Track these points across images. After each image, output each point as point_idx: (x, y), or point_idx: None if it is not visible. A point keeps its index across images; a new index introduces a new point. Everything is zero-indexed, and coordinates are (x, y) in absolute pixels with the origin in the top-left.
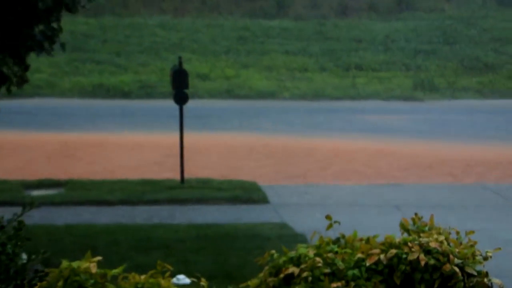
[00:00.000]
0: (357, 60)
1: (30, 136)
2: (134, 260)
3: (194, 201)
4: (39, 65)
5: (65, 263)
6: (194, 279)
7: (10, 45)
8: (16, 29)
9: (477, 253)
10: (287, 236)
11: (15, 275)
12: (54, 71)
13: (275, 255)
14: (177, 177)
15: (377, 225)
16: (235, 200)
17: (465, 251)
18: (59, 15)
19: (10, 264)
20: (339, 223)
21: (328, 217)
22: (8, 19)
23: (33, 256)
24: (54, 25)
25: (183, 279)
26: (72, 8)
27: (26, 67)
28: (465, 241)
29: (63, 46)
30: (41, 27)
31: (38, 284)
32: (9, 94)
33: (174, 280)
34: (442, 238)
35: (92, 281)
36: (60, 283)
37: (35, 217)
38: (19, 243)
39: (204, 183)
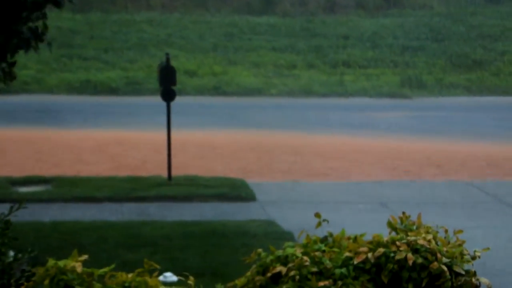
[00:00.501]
0: (344, 57)
1: (16, 133)
2: (121, 257)
3: (181, 198)
4: (26, 61)
5: (51, 262)
6: (182, 278)
7: None
8: (3, 25)
9: (465, 252)
10: (275, 234)
11: (2, 274)
12: (41, 67)
13: (263, 254)
14: (165, 174)
15: (365, 222)
16: (222, 197)
17: (453, 250)
18: (45, 12)
19: None
20: (328, 221)
21: (317, 215)
22: None
23: (20, 255)
24: (41, 22)
25: (170, 276)
26: (59, 3)
27: (12, 63)
28: (453, 240)
29: (50, 45)
30: (28, 24)
31: (25, 283)
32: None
33: (161, 278)
34: (430, 236)
35: (78, 280)
36: (47, 282)
37: (21, 214)
38: (6, 241)
39: (192, 180)
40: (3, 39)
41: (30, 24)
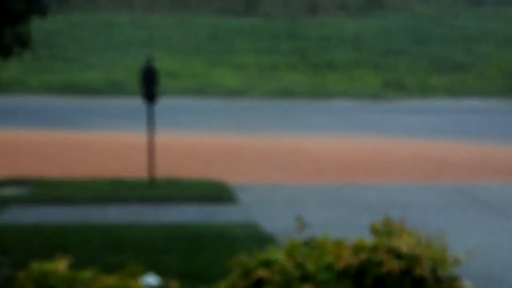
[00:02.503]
0: (327, 59)
1: None
2: (104, 260)
3: (163, 201)
4: (7, 62)
5: (34, 265)
6: (164, 279)
7: None
8: None
9: (449, 256)
10: (257, 236)
11: None
12: (23, 69)
13: (245, 258)
14: (147, 176)
15: (347, 225)
16: (204, 199)
17: (437, 254)
18: (29, 19)
19: None
20: (310, 225)
21: (299, 220)
22: None
23: (4, 259)
24: (24, 28)
25: (152, 279)
26: (43, 11)
27: None
28: (436, 244)
29: (33, 51)
30: (10, 30)
31: (10, 285)
32: None
33: (144, 280)
34: (413, 241)
35: (62, 283)
36: (30, 285)
37: (3, 216)
38: None
39: (174, 183)
40: None
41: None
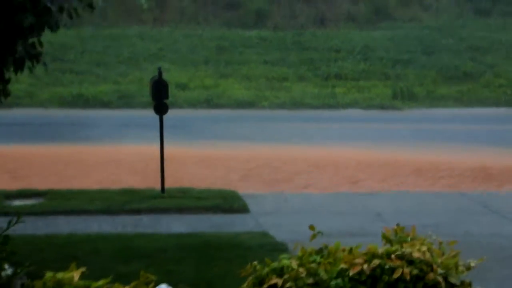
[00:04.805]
0: (336, 70)
1: (8, 147)
2: (116, 270)
3: (174, 211)
4: (18, 75)
5: (49, 275)
6: None
7: None
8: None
9: (460, 263)
10: (268, 245)
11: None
12: (33, 82)
13: (258, 266)
14: (158, 186)
15: (359, 233)
16: (215, 209)
17: (448, 261)
18: (40, 33)
19: None
20: (322, 233)
21: (311, 227)
22: None
23: (19, 269)
24: (36, 42)
25: None
26: (54, 27)
27: (7, 81)
28: (447, 251)
29: (45, 65)
30: (22, 44)
31: None
32: None
33: None
34: (424, 248)
35: None
36: None
37: (15, 227)
38: (4, 255)
39: (185, 193)
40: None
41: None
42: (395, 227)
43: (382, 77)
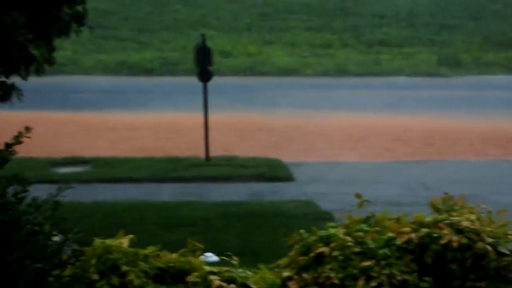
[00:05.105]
0: (380, 36)
1: (53, 114)
2: (161, 237)
3: (219, 179)
4: (62, 43)
5: (97, 242)
6: (223, 257)
7: (38, 27)
8: (44, 10)
9: (510, 232)
10: (313, 214)
11: (53, 254)
12: (77, 49)
13: (305, 235)
14: (202, 154)
15: (404, 202)
16: (260, 177)
17: (498, 230)
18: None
19: (47, 244)
20: (369, 202)
21: (358, 195)
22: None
23: (70, 236)
24: (81, 7)
25: (211, 256)
26: None
27: (52, 49)
28: (496, 220)
29: (91, 28)
30: (67, 9)
31: (75, 263)
32: (38, 75)
33: (202, 257)
34: (473, 217)
35: (125, 259)
36: (94, 261)
37: (63, 194)
38: (54, 222)
39: (229, 161)
40: (44, 24)
41: (69, 9)
42: (443, 195)
43: (428, 43)
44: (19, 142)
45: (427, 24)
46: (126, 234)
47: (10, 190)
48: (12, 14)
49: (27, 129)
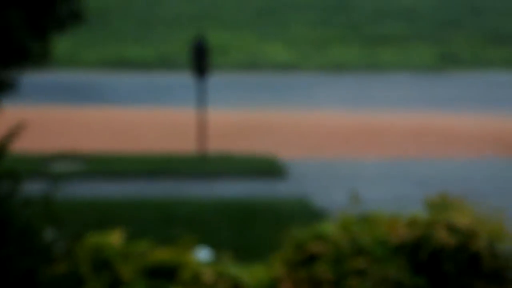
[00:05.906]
0: (380, 32)
1: (48, 109)
2: (156, 233)
3: (215, 175)
4: (59, 37)
5: (90, 238)
6: (217, 253)
7: (34, 23)
8: (41, 7)
9: (506, 230)
10: (308, 211)
11: (44, 250)
12: (75, 44)
13: (299, 232)
14: (197, 151)
15: (399, 200)
16: (256, 173)
17: (494, 229)
18: None
19: (39, 240)
20: (362, 200)
21: (353, 193)
22: None
23: (62, 231)
24: (76, 4)
25: (204, 252)
26: None
27: (48, 44)
28: (493, 219)
29: (87, 22)
30: (64, 6)
31: (67, 259)
32: (34, 69)
33: (195, 253)
34: (469, 216)
35: (117, 255)
36: (86, 257)
37: (56, 191)
38: (47, 218)
39: (225, 157)
40: (41, 21)
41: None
42: (440, 193)
43: (428, 39)
44: (13, 139)
45: (427, 20)
46: (121, 230)
47: (3, 186)
48: (9, 11)
49: (20, 125)
